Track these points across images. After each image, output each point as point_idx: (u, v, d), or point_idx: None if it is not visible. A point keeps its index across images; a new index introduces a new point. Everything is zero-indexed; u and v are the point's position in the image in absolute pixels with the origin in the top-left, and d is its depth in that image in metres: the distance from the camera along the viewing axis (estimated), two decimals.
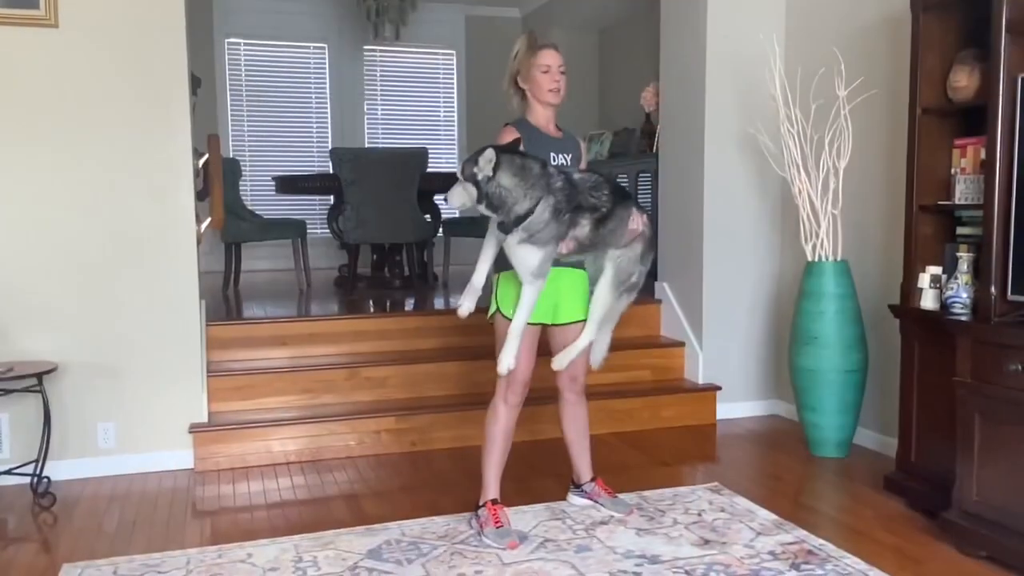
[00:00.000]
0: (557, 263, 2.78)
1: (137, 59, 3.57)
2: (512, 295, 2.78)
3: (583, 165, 3.04)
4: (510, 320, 2.77)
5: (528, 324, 2.78)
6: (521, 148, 2.67)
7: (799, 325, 3.79)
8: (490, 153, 2.55)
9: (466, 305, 2.77)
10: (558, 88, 2.90)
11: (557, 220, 2.61)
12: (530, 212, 2.57)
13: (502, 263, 2.79)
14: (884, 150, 3.76)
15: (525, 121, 2.93)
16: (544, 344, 2.95)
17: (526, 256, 2.64)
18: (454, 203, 2.68)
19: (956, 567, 2.64)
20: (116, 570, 2.65)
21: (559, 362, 2.88)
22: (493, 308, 2.88)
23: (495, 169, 2.55)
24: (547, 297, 2.80)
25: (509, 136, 2.82)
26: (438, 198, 6.31)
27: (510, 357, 2.72)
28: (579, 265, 2.90)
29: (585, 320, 2.91)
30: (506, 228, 2.61)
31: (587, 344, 2.88)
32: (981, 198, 2.85)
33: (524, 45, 2.93)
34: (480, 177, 2.56)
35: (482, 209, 2.62)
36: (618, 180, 5.35)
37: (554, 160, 2.88)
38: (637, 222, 2.82)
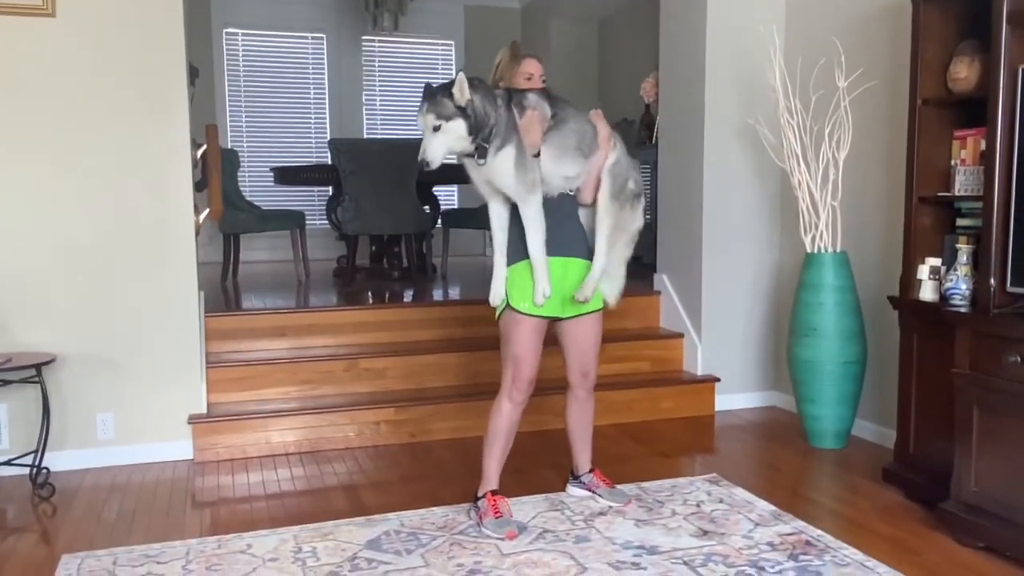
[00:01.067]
0: (566, 250, 2.78)
1: (135, 49, 3.56)
2: (525, 289, 2.77)
3: None
4: (519, 313, 2.77)
5: (536, 318, 2.78)
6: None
7: (798, 316, 3.80)
8: (461, 76, 2.53)
9: (497, 292, 2.79)
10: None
11: (508, 110, 2.61)
12: (496, 121, 2.58)
13: (514, 255, 2.79)
14: (884, 141, 3.76)
15: None
16: (551, 337, 2.94)
17: (504, 163, 2.61)
18: (437, 154, 2.57)
19: (954, 558, 2.65)
20: (115, 560, 2.66)
21: (582, 294, 2.80)
22: (503, 305, 2.83)
23: (470, 90, 2.54)
24: (556, 291, 2.80)
25: None
26: (437, 189, 6.31)
27: (544, 283, 2.71)
28: (586, 256, 2.88)
29: (595, 311, 2.91)
30: (484, 151, 2.59)
31: (603, 266, 2.83)
32: (981, 189, 2.84)
33: (508, 54, 2.93)
34: (463, 103, 2.54)
35: (465, 143, 2.58)
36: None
37: None
38: (600, 122, 2.81)
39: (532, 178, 2.66)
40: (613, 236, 2.84)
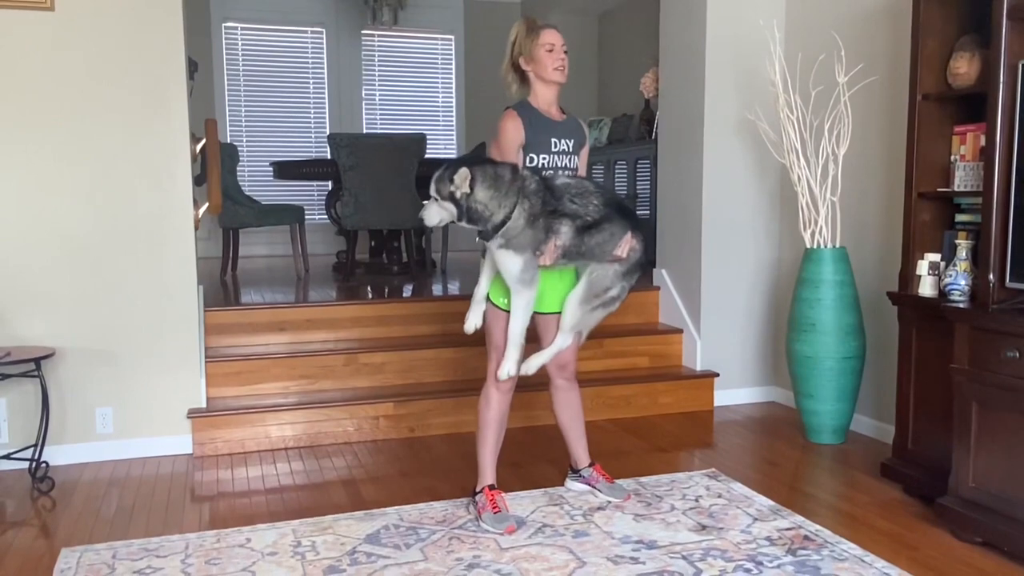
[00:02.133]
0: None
1: (134, 43, 3.55)
2: (501, 285, 2.78)
3: (586, 148, 3.03)
4: (499, 308, 2.79)
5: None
6: (488, 155, 2.73)
7: (797, 312, 3.80)
8: (464, 171, 2.58)
9: (472, 320, 2.85)
10: (563, 66, 2.88)
11: (533, 226, 2.62)
12: (507, 219, 2.60)
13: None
14: (884, 137, 3.76)
15: (527, 104, 2.90)
16: (532, 330, 2.93)
17: (507, 262, 2.65)
18: (431, 221, 2.70)
19: (952, 553, 2.65)
20: (115, 554, 2.66)
21: (527, 367, 2.86)
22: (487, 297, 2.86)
23: (471, 185, 2.58)
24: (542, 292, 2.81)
25: (511, 120, 2.81)
26: (434, 178, 6.29)
27: (512, 364, 2.77)
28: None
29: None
30: (486, 236, 2.65)
31: (556, 352, 2.90)
32: (980, 185, 2.84)
33: (524, 28, 2.91)
34: (458, 195, 2.60)
35: (462, 224, 2.65)
36: (621, 196, 5.27)
37: (555, 145, 2.86)
38: (624, 249, 2.77)
39: (533, 278, 2.70)
40: (576, 328, 2.88)
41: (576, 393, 3.09)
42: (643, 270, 2.95)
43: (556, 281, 2.88)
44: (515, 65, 2.92)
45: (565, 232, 2.67)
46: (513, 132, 2.81)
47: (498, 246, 2.64)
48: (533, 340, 2.96)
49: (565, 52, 2.89)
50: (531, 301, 2.73)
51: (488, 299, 2.85)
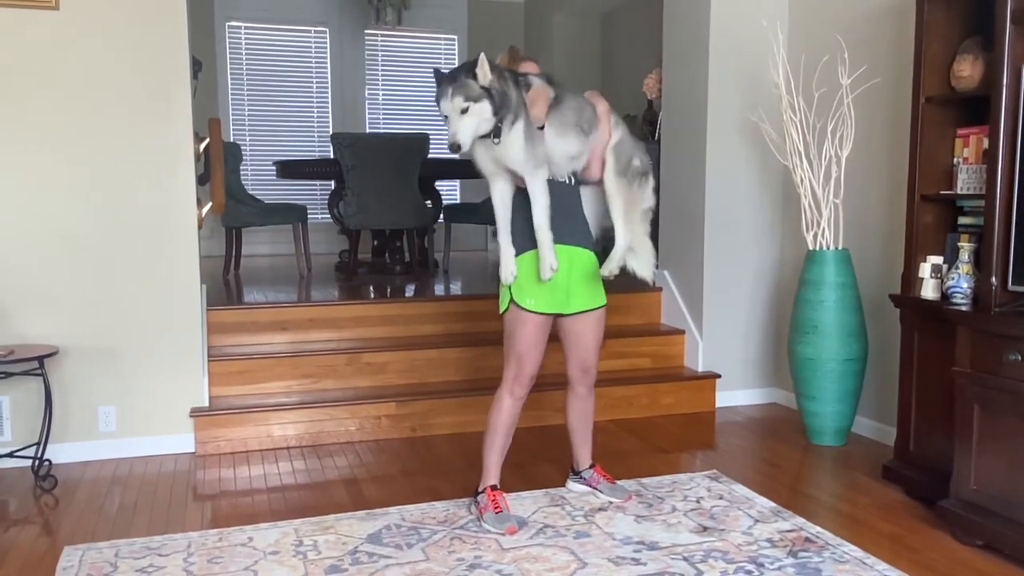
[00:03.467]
0: (572, 239, 2.79)
1: (138, 42, 3.56)
2: (531, 286, 2.76)
3: None
4: (524, 309, 2.77)
5: (540, 314, 2.78)
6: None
7: (799, 314, 3.80)
8: (482, 56, 2.54)
9: (509, 269, 2.76)
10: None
11: (512, 86, 2.61)
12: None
13: (518, 245, 2.78)
14: (886, 139, 3.76)
15: None
16: (552, 333, 2.92)
17: (515, 139, 2.61)
18: (467, 136, 2.55)
19: (953, 555, 2.66)
20: (117, 552, 2.67)
21: (608, 270, 2.83)
22: (507, 300, 2.83)
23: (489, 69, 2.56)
24: (559, 287, 2.79)
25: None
26: (439, 184, 6.31)
27: (550, 255, 2.68)
28: (591, 247, 2.89)
29: (597, 308, 2.91)
30: (499, 131, 2.59)
31: (626, 244, 2.85)
32: (983, 188, 2.84)
33: (506, 57, 2.91)
34: (488, 83, 2.54)
35: (489, 124, 2.56)
36: None
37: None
38: (595, 98, 2.84)
39: (540, 152, 2.67)
40: (628, 212, 2.86)
41: (592, 402, 3.09)
42: (634, 135, 2.98)
43: (582, 279, 2.86)
44: None
45: (536, 79, 2.71)
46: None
47: (509, 126, 2.59)
48: (552, 339, 2.92)
49: None
50: (545, 180, 2.68)
51: (512, 300, 2.81)
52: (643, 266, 2.94)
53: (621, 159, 2.85)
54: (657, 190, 4.96)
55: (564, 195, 2.82)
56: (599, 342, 2.99)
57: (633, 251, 2.90)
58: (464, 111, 2.54)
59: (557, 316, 2.89)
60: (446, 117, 2.57)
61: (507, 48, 2.99)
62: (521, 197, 2.75)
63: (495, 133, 2.60)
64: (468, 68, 2.56)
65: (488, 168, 2.75)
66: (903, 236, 3.25)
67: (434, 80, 2.63)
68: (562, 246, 2.77)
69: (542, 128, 2.69)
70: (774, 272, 4.50)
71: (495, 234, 2.86)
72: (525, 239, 2.77)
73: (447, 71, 2.62)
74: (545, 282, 2.74)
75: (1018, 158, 2.67)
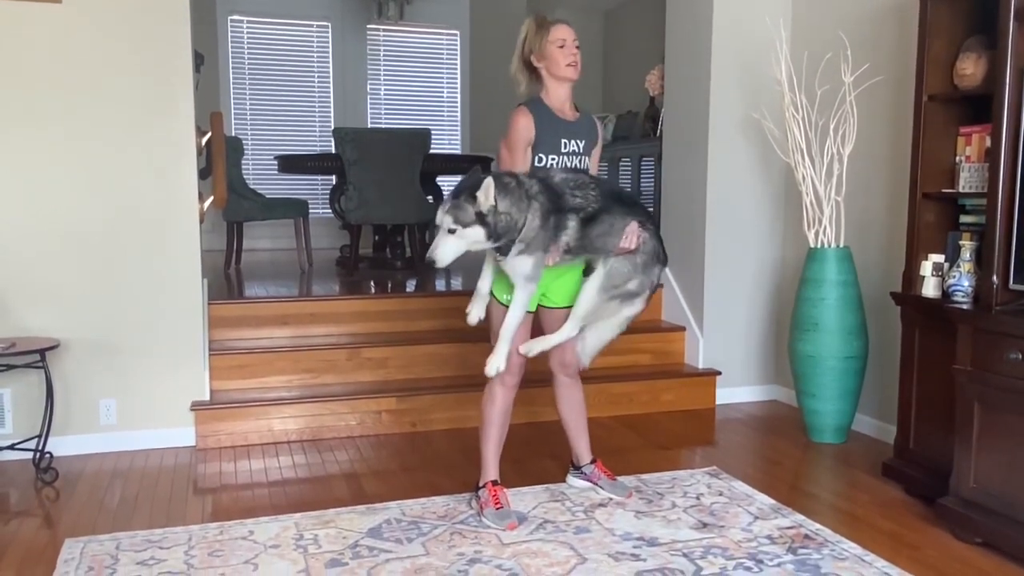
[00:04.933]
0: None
1: (140, 36, 3.56)
2: (506, 281, 2.77)
3: (598, 147, 3.00)
4: (503, 305, 2.77)
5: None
6: (480, 175, 2.61)
7: (800, 311, 3.80)
8: (488, 182, 2.48)
9: (475, 312, 2.80)
10: (575, 62, 2.82)
11: (544, 226, 2.58)
12: (525, 224, 2.55)
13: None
14: (889, 137, 3.76)
15: (539, 101, 2.85)
16: (536, 325, 2.94)
17: (520, 265, 2.63)
18: (445, 256, 2.53)
19: (952, 553, 2.66)
20: (118, 545, 2.68)
21: (528, 348, 2.80)
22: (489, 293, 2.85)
23: (495, 196, 2.49)
24: (542, 282, 2.79)
25: (523, 117, 2.76)
26: (441, 180, 6.31)
27: (501, 359, 2.71)
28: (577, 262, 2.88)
29: (570, 307, 2.88)
30: (506, 249, 2.57)
31: (562, 340, 2.83)
32: (985, 186, 2.84)
33: (533, 24, 2.86)
34: (486, 210, 2.49)
35: (487, 245, 2.55)
36: (621, 187, 5.28)
37: (565, 146, 2.83)
38: (632, 240, 2.72)
39: (537, 274, 2.68)
40: (586, 320, 2.81)
41: (579, 390, 3.09)
42: (662, 264, 2.85)
43: (565, 276, 2.87)
44: (526, 63, 2.87)
45: (571, 227, 2.64)
46: (524, 130, 2.76)
47: (516, 253, 2.58)
48: (539, 332, 2.93)
49: (577, 47, 2.84)
50: (531, 295, 2.71)
51: (492, 295, 2.84)
52: (583, 354, 2.93)
53: (614, 279, 2.76)
54: (657, 188, 4.98)
55: None
56: (573, 341, 2.96)
57: (583, 338, 2.87)
58: (451, 231, 2.52)
59: (541, 308, 2.89)
60: (438, 227, 2.55)
61: (533, 16, 2.90)
62: None
63: (501, 252, 2.59)
64: (471, 190, 2.50)
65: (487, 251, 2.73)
66: (904, 234, 3.25)
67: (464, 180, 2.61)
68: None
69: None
70: (775, 269, 4.50)
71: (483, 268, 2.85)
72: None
73: (462, 183, 2.58)
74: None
75: (1020, 157, 2.67)
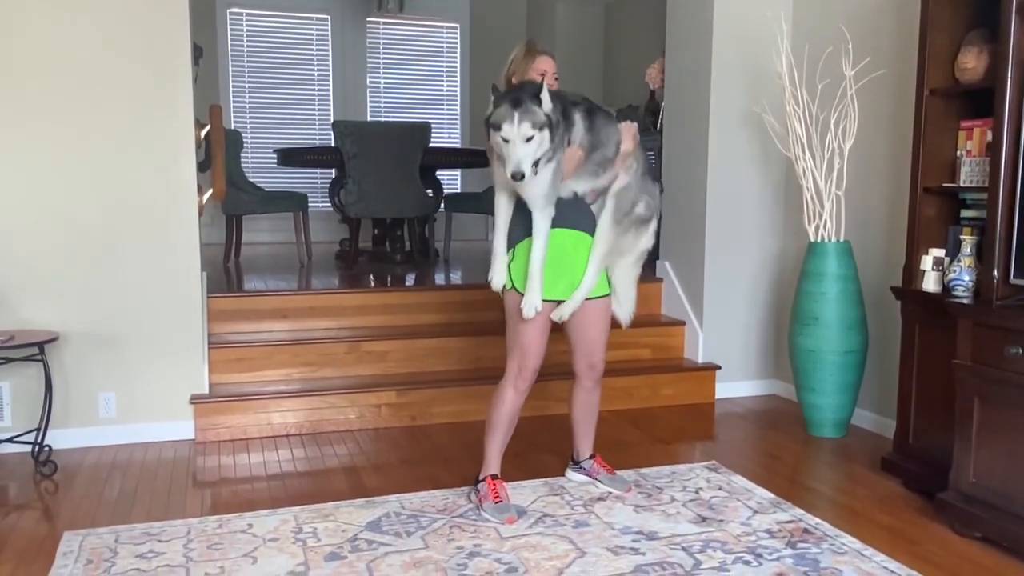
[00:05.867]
0: (578, 224, 2.77)
1: (139, 28, 3.54)
2: (524, 268, 2.74)
3: None
4: (521, 293, 2.73)
5: (545, 303, 2.76)
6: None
7: (800, 305, 3.80)
8: (545, 85, 2.51)
9: (498, 277, 2.77)
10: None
11: (559, 127, 2.56)
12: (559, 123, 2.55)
13: (516, 235, 2.77)
14: (890, 131, 3.75)
15: None
16: (557, 325, 2.91)
17: (543, 177, 2.58)
18: (529, 165, 2.48)
19: (951, 547, 2.66)
20: (117, 538, 2.68)
21: (559, 313, 2.79)
22: (508, 284, 2.81)
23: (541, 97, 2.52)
24: (564, 275, 2.78)
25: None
26: (440, 173, 6.29)
27: (536, 296, 2.67)
28: (594, 231, 2.86)
29: (602, 296, 2.89)
30: (548, 157, 2.55)
31: (588, 289, 2.80)
32: (986, 181, 2.84)
33: (523, 51, 2.88)
34: (547, 110, 2.50)
35: (543, 152, 2.52)
36: None
37: None
38: (628, 136, 2.76)
39: (555, 194, 2.66)
40: (606, 259, 2.84)
41: (598, 395, 3.08)
42: (657, 181, 2.92)
43: (581, 260, 2.84)
44: (508, 82, 2.87)
45: (579, 124, 2.64)
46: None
47: (544, 163, 2.55)
48: (556, 329, 2.90)
49: (556, 80, 2.85)
50: (550, 219, 2.66)
51: (513, 287, 2.78)
52: (623, 311, 2.97)
53: (622, 206, 2.80)
54: (659, 183, 4.97)
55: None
56: (606, 335, 2.96)
57: (616, 296, 2.92)
58: (529, 139, 2.49)
59: (562, 304, 2.85)
60: (507, 141, 2.51)
61: (524, 42, 2.94)
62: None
63: (537, 164, 2.55)
64: (533, 94, 2.51)
65: (501, 182, 2.72)
66: (905, 229, 3.24)
67: (492, 96, 2.58)
68: (570, 231, 2.77)
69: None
70: (775, 264, 4.50)
71: (495, 226, 2.85)
72: (526, 228, 2.74)
73: (507, 92, 2.57)
74: (557, 261, 2.73)
75: (1022, 151, 2.66)
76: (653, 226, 2.90)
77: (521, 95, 2.53)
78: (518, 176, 2.49)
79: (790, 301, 4.01)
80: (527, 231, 2.74)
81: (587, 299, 2.86)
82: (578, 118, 2.66)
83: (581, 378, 3.01)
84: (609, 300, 2.94)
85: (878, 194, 3.83)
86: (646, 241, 2.90)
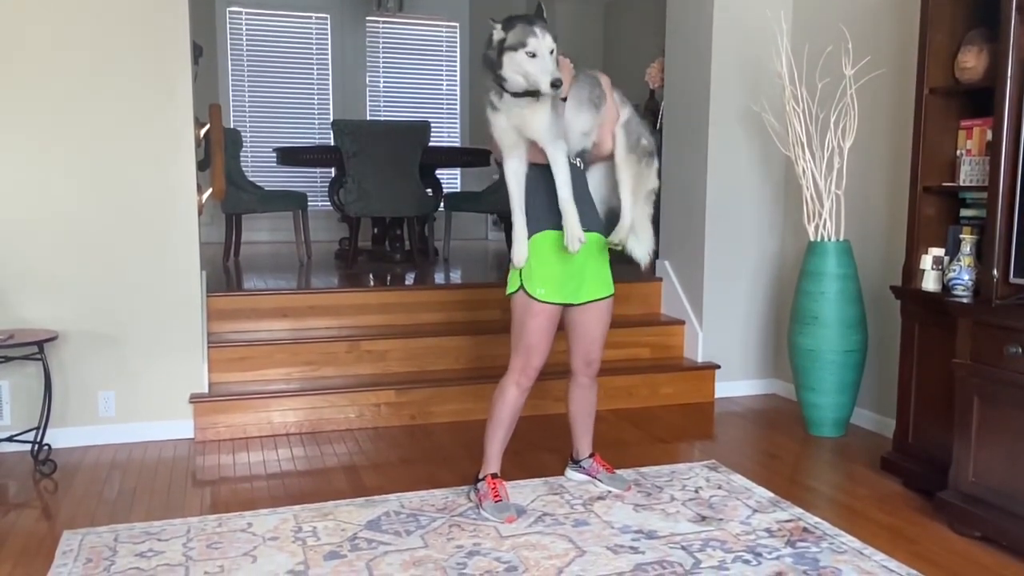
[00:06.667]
0: (583, 221, 2.74)
1: (139, 27, 3.54)
2: (543, 274, 2.74)
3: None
4: (534, 299, 2.74)
5: (552, 305, 2.76)
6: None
7: (800, 305, 3.80)
8: (495, 27, 2.55)
9: (522, 253, 2.73)
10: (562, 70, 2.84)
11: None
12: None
13: (533, 225, 2.75)
14: (889, 130, 3.75)
15: None
16: (560, 327, 2.91)
17: (543, 105, 2.59)
18: (545, 119, 2.59)
19: (950, 546, 2.66)
20: (117, 537, 2.67)
21: (617, 235, 2.83)
22: (516, 284, 2.79)
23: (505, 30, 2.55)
24: (571, 277, 2.78)
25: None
26: (440, 172, 6.29)
27: (576, 228, 2.64)
28: (601, 229, 2.88)
29: (605, 297, 2.90)
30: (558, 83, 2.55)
31: (632, 216, 2.85)
32: (986, 180, 2.84)
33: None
34: (513, 41, 2.53)
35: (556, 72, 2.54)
36: None
37: None
38: (601, 75, 2.84)
39: (560, 124, 2.66)
40: (636, 188, 2.87)
41: (595, 392, 3.08)
42: (642, 119, 2.97)
43: (595, 270, 2.85)
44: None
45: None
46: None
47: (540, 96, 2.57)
48: (560, 330, 2.92)
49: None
50: (566, 152, 2.67)
51: (522, 287, 2.78)
52: (641, 248, 2.95)
53: (631, 136, 2.85)
54: (659, 177, 4.97)
55: (573, 179, 2.80)
56: (605, 333, 2.98)
57: (634, 232, 2.91)
58: (552, 52, 2.53)
59: (568, 306, 2.86)
60: (533, 56, 2.51)
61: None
62: (533, 176, 2.74)
63: (535, 92, 2.56)
64: (542, 15, 2.56)
65: (507, 139, 2.69)
66: (905, 228, 3.24)
67: (503, 23, 2.58)
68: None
69: (564, 99, 2.68)
70: (775, 263, 4.50)
71: (495, 223, 2.85)
72: (538, 219, 2.74)
73: (512, 17, 2.58)
74: (565, 261, 2.73)
75: (1021, 150, 2.66)
76: (656, 163, 2.95)
77: (530, 16, 2.58)
78: (558, 83, 2.52)
79: (790, 300, 4.01)
80: (538, 222, 2.74)
81: (592, 299, 2.87)
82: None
83: (577, 375, 3.02)
84: (611, 300, 2.94)
85: (878, 193, 3.83)
86: (654, 179, 2.94)
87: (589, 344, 2.95)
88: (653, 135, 2.98)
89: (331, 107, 7.76)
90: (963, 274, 2.94)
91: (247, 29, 7.51)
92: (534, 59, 2.51)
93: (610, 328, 3.01)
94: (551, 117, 2.62)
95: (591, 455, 3.16)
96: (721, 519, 2.84)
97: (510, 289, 2.82)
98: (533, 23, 2.53)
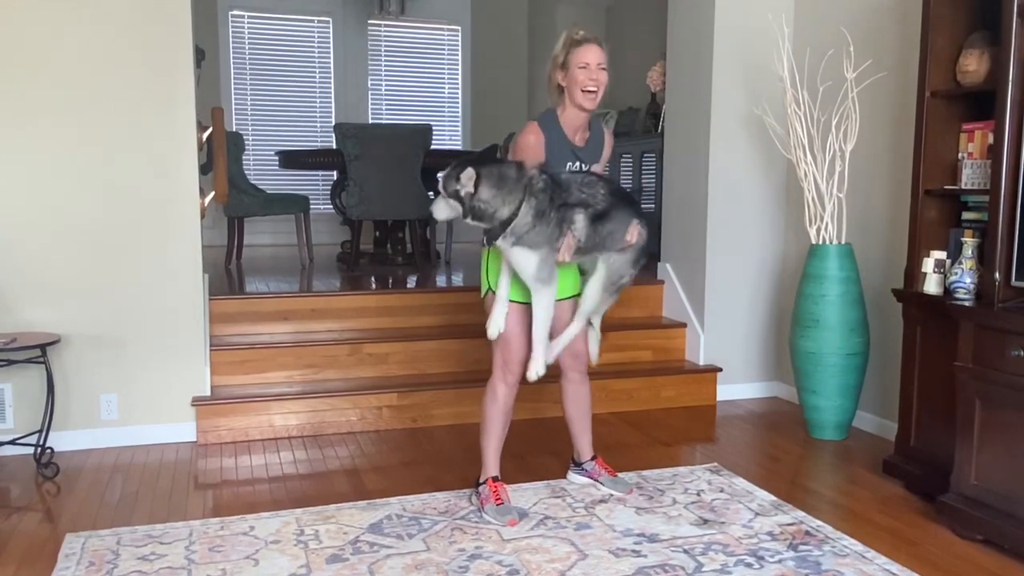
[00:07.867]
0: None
1: (141, 30, 3.55)
2: (498, 269, 2.78)
3: (605, 156, 3.00)
4: (516, 302, 2.77)
5: (520, 303, 2.78)
6: (498, 155, 2.68)
7: (801, 308, 3.80)
8: (470, 171, 2.56)
9: (495, 324, 2.77)
10: (596, 88, 2.83)
11: (543, 221, 2.60)
12: (512, 216, 2.58)
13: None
14: (891, 133, 3.75)
15: (553, 118, 2.85)
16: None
17: (521, 260, 2.64)
18: (440, 216, 2.69)
19: (952, 550, 2.66)
20: (119, 540, 2.68)
21: (550, 355, 2.82)
22: (485, 287, 2.85)
23: (476, 185, 2.56)
24: None
25: (533, 136, 2.78)
26: (442, 175, 6.29)
27: (540, 364, 2.75)
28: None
29: (574, 296, 2.92)
30: (493, 235, 2.62)
31: (572, 336, 2.89)
32: (987, 183, 2.84)
33: (566, 38, 2.89)
34: (463, 193, 2.58)
35: (468, 221, 2.64)
36: (623, 184, 5.28)
37: (569, 168, 2.85)
38: (633, 234, 2.78)
39: (551, 275, 2.69)
40: (591, 312, 2.90)
41: (587, 387, 3.09)
42: (646, 256, 2.95)
43: (564, 268, 2.86)
44: (552, 74, 2.90)
45: (580, 223, 2.66)
46: (534, 149, 2.76)
47: (510, 244, 2.62)
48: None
49: (603, 69, 2.87)
50: (552, 298, 2.71)
51: (490, 289, 2.82)
52: (593, 346, 3.04)
53: (612, 276, 2.84)
54: (659, 183, 4.98)
55: (568, 178, 2.80)
56: (584, 334, 2.99)
57: (591, 323, 2.97)
58: (443, 195, 2.63)
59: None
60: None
61: (563, 33, 2.92)
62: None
63: (488, 237, 2.63)
64: (463, 167, 2.57)
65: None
66: (906, 231, 3.24)
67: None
68: None
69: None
70: (776, 266, 4.50)
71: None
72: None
73: (473, 155, 2.68)
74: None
75: (1023, 153, 2.66)
76: (635, 271, 2.94)
77: (465, 160, 2.62)
78: (428, 213, 2.72)
79: (791, 303, 4.01)
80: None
81: (562, 298, 2.88)
82: (579, 218, 2.66)
83: (567, 371, 3.04)
84: (577, 299, 2.94)
85: (879, 196, 3.83)
86: (615, 299, 2.95)
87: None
88: (637, 266, 2.90)
89: (333, 110, 7.77)
90: (965, 277, 2.94)
91: (249, 32, 7.52)
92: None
93: (612, 331, 3.03)
94: (536, 271, 2.65)
95: (593, 458, 3.16)
96: (723, 522, 2.84)
97: (483, 292, 2.88)
98: (451, 168, 2.61)
